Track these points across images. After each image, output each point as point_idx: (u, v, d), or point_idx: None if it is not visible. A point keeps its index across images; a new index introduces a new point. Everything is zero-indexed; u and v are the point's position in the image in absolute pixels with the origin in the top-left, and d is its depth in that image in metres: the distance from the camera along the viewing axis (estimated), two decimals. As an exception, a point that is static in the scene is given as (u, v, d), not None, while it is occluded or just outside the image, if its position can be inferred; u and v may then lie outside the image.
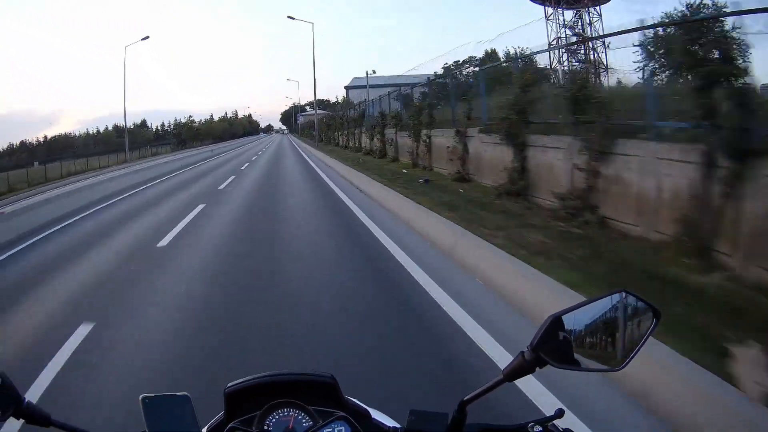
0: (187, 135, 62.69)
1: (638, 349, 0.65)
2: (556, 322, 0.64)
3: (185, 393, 0.71)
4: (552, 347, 0.64)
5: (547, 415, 0.67)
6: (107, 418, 2.04)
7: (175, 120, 70.05)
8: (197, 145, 58.23)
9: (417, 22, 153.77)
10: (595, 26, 24.95)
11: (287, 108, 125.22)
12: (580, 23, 25.24)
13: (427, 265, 3.90)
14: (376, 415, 0.88)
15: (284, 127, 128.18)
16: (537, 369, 0.64)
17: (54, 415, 0.64)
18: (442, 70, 14.79)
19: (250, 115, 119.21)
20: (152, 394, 0.70)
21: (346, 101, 34.31)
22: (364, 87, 41.08)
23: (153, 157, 37.77)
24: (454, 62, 16.04)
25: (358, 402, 0.86)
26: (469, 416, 0.68)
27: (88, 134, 62.67)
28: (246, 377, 0.83)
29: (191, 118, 69.66)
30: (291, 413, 0.85)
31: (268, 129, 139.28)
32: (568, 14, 25.45)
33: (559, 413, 0.67)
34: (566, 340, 0.64)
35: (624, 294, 0.66)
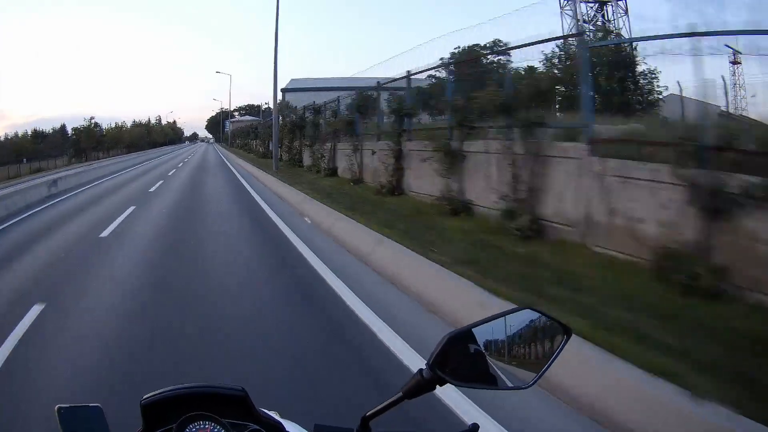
0: (87, 143, 56.20)
1: (548, 367, 0.70)
2: (456, 339, 0.68)
3: (98, 405, 0.78)
4: (453, 365, 0.67)
5: (462, 430, 0.70)
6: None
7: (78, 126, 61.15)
8: (98, 157, 53.31)
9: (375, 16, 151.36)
10: (619, 22, 23.20)
11: (213, 114, 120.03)
12: (601, 18, 23.75)
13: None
14: (289, 426, 0.94)
15: (210, 136, 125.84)
16: (438, 387, 0.68)
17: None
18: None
19: (174, 122, 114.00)
20: (67, 405, 0.76)
21: (285, 105, 31.76)
22: (304, 90, 39.79)
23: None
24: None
25: (271, 413, 0.93)
26: (393, 421, 0.73)
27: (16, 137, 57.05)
28: (161, 389, 0.89)
29: (93, 121, 60.33)
30: (206, 426, 0.90)
31: (193, 137, 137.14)
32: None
33: (474, 428, 0.70)
34: (470, 357, 0.68)
35: (530, 311, 0.72)
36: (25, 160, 42.28)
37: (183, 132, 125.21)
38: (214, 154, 39.01)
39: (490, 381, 0.69)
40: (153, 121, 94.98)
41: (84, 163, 38.24)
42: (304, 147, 17.13)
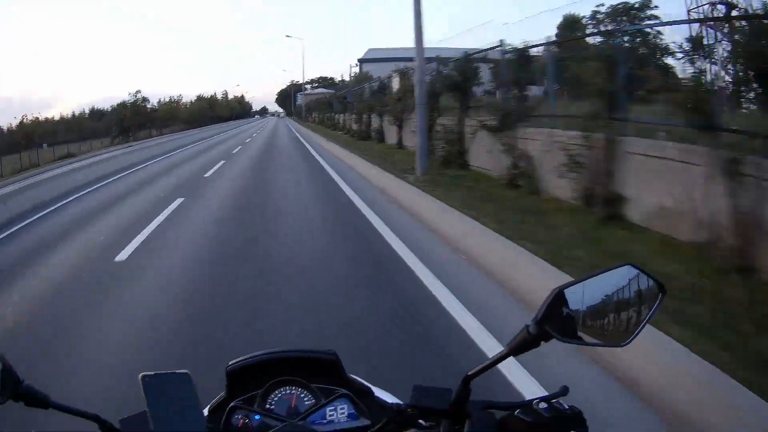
0: (133, 120, 51.34)
1: (643, 325, 0.74)
2: (560, 295, 0.72)
3: (186, 371, 0.78)
4: (556, 321, 0.71)
5: (552, 393, 0.75)
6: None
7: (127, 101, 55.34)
8: (145, 136, 49.22)
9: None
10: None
11: (284, 87, 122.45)
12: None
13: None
14: (378, 392, 0.99)
15: (280, 110, 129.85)
16: (542, 343, 0.72)
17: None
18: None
19: (242, 96, 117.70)
20: (152, 372, 0.77)
21: (365, 75, 27.80)
22: (382, 60, 38.14)
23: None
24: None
25: (360, 379, 0.98)
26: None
27: (73, 117, 56.91)
28: (247, 355, 0.95)
29: (139, 95, 55.24)
30: (293, 391, 0.97)
31: (263, 111, 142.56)
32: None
33: (564, 390, 0.75)
34: (569, 315, 0.72)
35: (630, 268, 0.75)
36: (45, 145, 39.35)
37: (251, 106, 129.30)
38: (286, 131, 33.55)
39: (590, 337, 0.73)
40: (220, 95, 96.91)
41: (121, 146, 35.07)
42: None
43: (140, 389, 0.75)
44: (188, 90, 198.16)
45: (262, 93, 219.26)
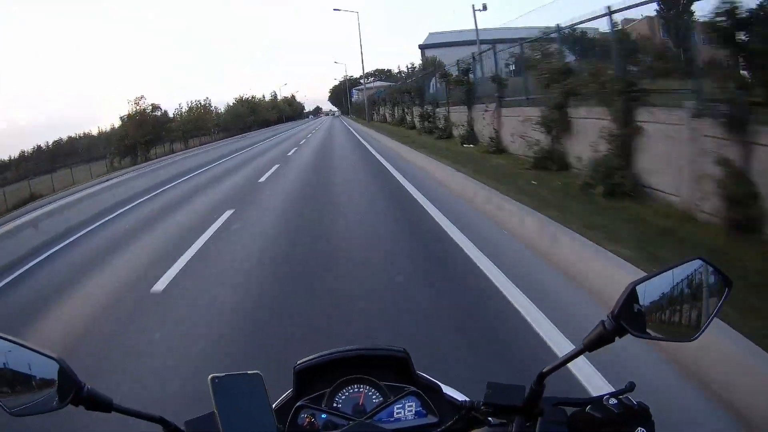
0: (138, 136, 44.86)
1: (711, 320, 0.82)
2: (633, 290, 0.81)
3: (257, 372, 0.84)
4: (630, 316, 0.80)
5: (619, 389, 0.84)
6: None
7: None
8: (165, 153, 45.49)
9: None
10: None
11: (337, 83, 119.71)
12: None
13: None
14: (448, 390, 1.08)
15: (334, 109, 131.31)
16: (616, 338, 0.81)
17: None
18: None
19: (292, 96, 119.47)
20: (222, 374, 0.82)
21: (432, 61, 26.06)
22: (446, 45, 37.77)
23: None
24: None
25: (429, 377, 1.07)
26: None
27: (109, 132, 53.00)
28: (315, 354, 1.05)
29: (143, 102, 47.91)
30: (361, 389, 1.06)
31: (316, 111, 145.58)
32: None
33: (631, 386, 0.84)
34: (640, 310, 0.81)
35: (700, 261, 0.83)
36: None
37: (303, 107, 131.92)
38: (346, 139, 27.01)
39: (660, 332, 0.81)
40: (268, 97, 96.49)
41: (115, 173, 30.84)
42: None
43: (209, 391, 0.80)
44: (229, 95, 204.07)
45: (314, 92, 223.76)
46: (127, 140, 44.81)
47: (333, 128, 43.82)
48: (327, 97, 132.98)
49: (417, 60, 50.16)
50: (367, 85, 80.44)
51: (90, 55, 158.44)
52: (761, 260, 3.78)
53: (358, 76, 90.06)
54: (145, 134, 45.55)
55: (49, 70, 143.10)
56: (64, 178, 37.10)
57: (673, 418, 2.24)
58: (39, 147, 57.43)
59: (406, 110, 26.97)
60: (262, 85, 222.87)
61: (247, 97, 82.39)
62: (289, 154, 20.85)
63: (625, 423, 0.80)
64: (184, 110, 58.80)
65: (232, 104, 75.38)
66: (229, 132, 60.95)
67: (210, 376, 0.82)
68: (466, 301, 3.91)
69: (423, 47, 48.99)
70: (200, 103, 62.23)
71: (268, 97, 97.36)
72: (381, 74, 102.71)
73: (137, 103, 47.49)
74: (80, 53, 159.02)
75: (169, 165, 21.95)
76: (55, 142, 56.25)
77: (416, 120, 22.68)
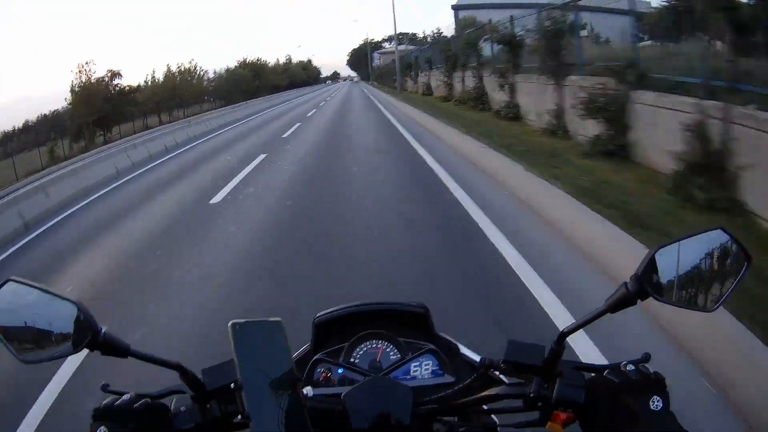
0: (86, 112, 38.42)
1: (730, 293, 0.89)
2: (655, 254, 0.88)
3: (278, 319, 0.87)
4: (652, 279, 0.87)
5: (636, 358, 0.91)
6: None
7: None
8: (131, 131, 38.23)
9: None
10: None
11: (356, 47, 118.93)
12: None
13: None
14: (465, 350, 1.16)
15: (354, 74, 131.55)
16: (638, 301, 0.88)
17: None
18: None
19: (309, 61, 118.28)
20: (242, 320, 0.85)
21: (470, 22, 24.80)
22: (483, 7, 36.50)
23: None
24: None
25: (448, 336, 1.15)
26: None
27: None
28: (335, 307, 1.13)
29: (88, 67, 40.97)
30: (379, 345, 1.13)
31: (335, 77, 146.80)
32: None
33: (646, 357, 0.91)
34: (662, 274, 0.88)
35: (720, 232, 0.90)
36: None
37: (319, 71, 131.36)
38: (374, 118, 20.87)
39: (680, 299, 0.88)
40: (282, 60, 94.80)
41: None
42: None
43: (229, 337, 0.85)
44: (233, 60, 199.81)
45: (332, 57, 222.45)
46: (76, 120, 38.58)
47: (351, 94, 44.84)
48: (345, 62, 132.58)
49: (443, 23, 48.26)
50: (389, 49, 77.38)
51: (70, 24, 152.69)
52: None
53: (380, 39, 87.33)
54: (96, 111, 38.71)
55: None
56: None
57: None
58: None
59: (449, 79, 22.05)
60: (274, 49, 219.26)
61: (251, 59, 78.47)
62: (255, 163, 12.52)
63: (642, 390, 0.85)
64: (159, 77, 52.15)
65: (232, 68, 71.13)
66: (226, 101, 55.23)
67: (230, 323, 0.84)
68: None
69: (456, 8, 47.44)
70: (183, 68, 55.91)
71: (282, 61, 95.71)
72: (404, 38, 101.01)
73: (83, 71, 40.28)
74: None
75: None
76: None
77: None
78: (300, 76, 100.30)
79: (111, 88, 41.71)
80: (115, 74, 41.87)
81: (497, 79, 14.46)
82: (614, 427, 0.85)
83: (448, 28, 41.75)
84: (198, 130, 23.62)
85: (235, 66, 71.54)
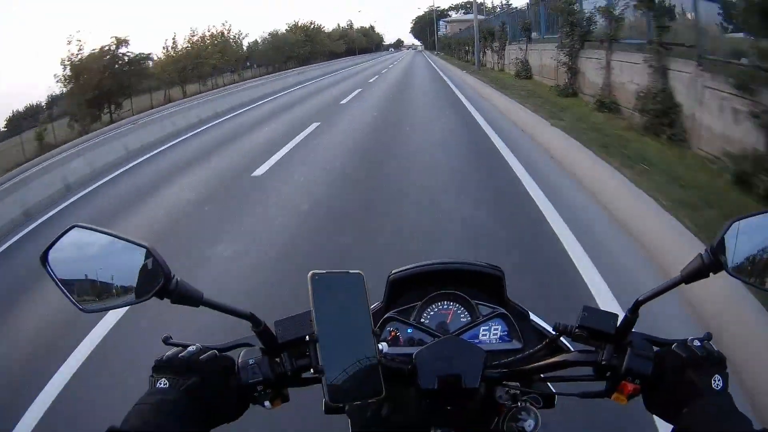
0: (78, 89, 34.63)
1: None
2: (733, 227, 0.92)
3: (359, 271, 0.93)
4: (727, 253, 0.91)
5: (700, 336, 0.95)
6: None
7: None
8: (145, 107, 35.42)
9: None
10: None
11: (422, 13, 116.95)
12: None
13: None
14: (535, 318, 1.24)
15: (418, 43, 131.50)
16: (711, 274, 0.93)
17: None
18: None
19: (371, 27, 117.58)
20: (323, 271, 0.90)
21: None
22: None
23: None
24: None
25: (519, 303, 1.23)
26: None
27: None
28: (410, 265, 1.21)
29: (75, 39, 37.75)
30: (451, 306, 1.23)
31: (398, 45, 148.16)
32: None
33: (708, 336, 0.96)
34: (740, 249, 0.92)
35: None
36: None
37: (382, 39, 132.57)
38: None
39: (754, 276, 0.91)
40: (343, 25, 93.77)
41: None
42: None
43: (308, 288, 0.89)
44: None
45: (396, 25, 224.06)
46: (71, 99, 34.95)
47: (413, 68, 40.10)
48: (409, 29, 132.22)
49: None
50: (457, 18, 72.51)
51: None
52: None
53: (446, 7, 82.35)
54: (93, 87, 34.82)
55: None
56: None
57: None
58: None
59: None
60: (334, 14, 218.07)
61: (304, 23, 74.94)
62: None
63: (706, 367, 0.90)
64: (180, 45, 47.57)
65: (279, 32, 66.78)
66: (273, 68, 53.73)
67: (310, 273, 0.89)
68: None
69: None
70: (215, 32, 51.43)
71: (343, 26, 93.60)
72: (471, 6, 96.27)
73: (73, 43, 36.58)
74: None
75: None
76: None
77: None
78: (360, 42, 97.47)
79: (116, 59, 37.45)
80: (121, 42, 37.49)
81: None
82: (676, 402, 0.89)
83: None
84: (219, 106, 20.63)
85: (286, 30, 68.13)
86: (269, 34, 63.46)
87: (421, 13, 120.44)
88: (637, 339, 0.96)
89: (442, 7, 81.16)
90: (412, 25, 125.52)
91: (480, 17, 31.80)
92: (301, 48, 64.65)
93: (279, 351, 0.94)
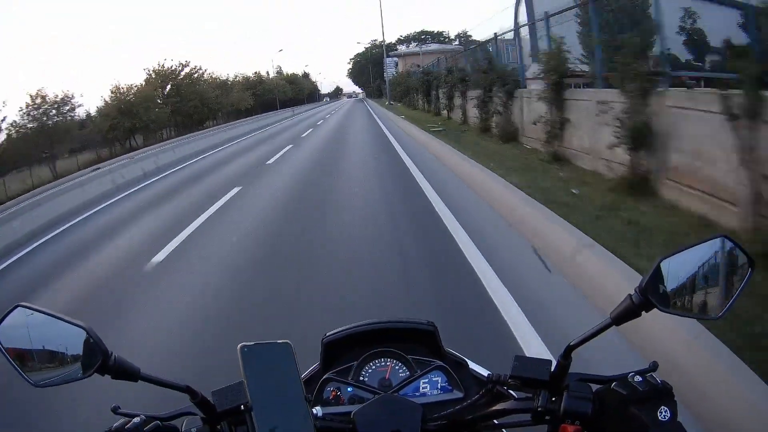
0: None
1: (735, 299, 1.24)
2: (660, 265, 1.21)
3: (287, 341, 1.23)
4: (656, 291, 1.19)
5: (643, 368, 1.22)
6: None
7: None
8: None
9: None
10: None
11: (363, 49, 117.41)
12: None
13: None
14: (474, 365, 1.56)
15: (358, 90, 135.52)
16: (643, 313, 1.21)
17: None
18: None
19: (306, 74, 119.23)
20: (252, 342, 1.21)
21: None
22: None
23: None
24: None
25: (456, 352, 1.56)
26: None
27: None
28: (343, 327, 1.54)
29: None
30: (388, 363, 1.54)
31: (337, 93, 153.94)
32: None
33: (654, 366, 1.23)
34: (666, 285, 1.20)
35: (723, 240, 1.26)
36: None
37: (315, 85, 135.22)
38: None
39: (685, 308, 1.21)
40: (267, 73, 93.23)
41: None
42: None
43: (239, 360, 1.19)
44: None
45: (334, 71, 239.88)
46: None
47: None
48: (347, 72, 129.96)
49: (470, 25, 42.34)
50: (412, 51, 72.26)
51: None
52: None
53: (395, 40, 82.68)
54: None
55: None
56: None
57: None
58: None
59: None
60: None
61: (171, 66, 66.54)
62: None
63: (649, 401, 1.12)
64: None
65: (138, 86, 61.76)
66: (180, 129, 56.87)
67: (240, 345, 1.19)
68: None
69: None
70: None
71: (263, 73, 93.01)
72: (427, 37, 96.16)
73: None
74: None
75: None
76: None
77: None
78: (286, 92, 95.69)
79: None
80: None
81: None
82: None
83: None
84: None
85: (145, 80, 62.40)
86: (111, 91, 57.57)
87: (361, 49, 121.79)
88: (573, 381, 1.24)
89: (388, 40, 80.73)
90: (350, 66, 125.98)
91: (445, 48, 31.58)
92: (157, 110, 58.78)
93: (219, 420, 1.21)
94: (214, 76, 73.95)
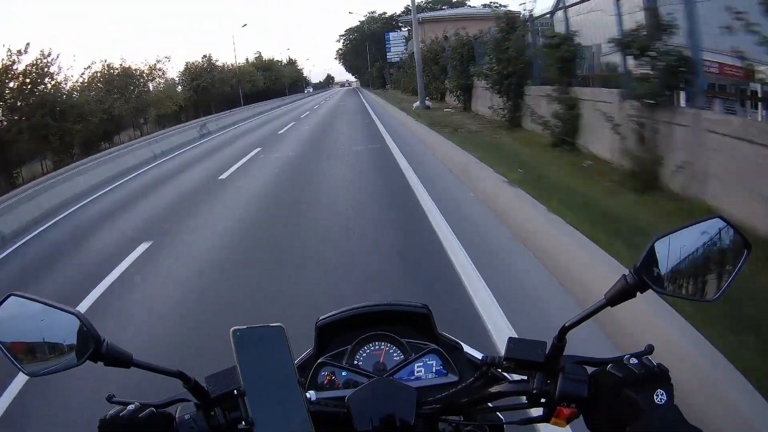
0: None
1: (731, 281, 1.43)
2: (654, 246, 1.42)
3: (279, 324, 1.43)
4: (651, 271, 1.39)
5: (639, 351, 1.40)
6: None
7: None
8: None
9: None
10: None
11: (358, 23, 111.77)
12: None
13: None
14: (468, 349, 1.81)
15: (351, 79, 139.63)
16: (638, 294, 1.40)
17: None
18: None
19: (292, 60, 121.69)
20: (244, 326, 1.40)
21: None
22: None
23: None
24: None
25: (450, 336, 1.82)
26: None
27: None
28: (337, 310, 1.80)
29: None
30: (382, 347, 1.80)
31: (327, 83, 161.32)
32: None
33: (650, 349, 1.42)
34: (662, 265, 1.40)
35: (719, 220, 1.47)
36: None
37: (302, 75, 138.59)
38: None
39: (680, 290, 1.43)
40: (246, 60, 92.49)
41: None
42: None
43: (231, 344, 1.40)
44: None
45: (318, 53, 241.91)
46: None
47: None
48: (335, 55, 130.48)
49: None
50: (427, 17, 64.84)
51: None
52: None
53: (399, 12, 76.66)
54: None
55: None
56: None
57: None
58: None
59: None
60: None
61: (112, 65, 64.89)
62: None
63: (645, 384, 1.30)
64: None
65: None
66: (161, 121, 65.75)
67: (232, 329, 1.38)
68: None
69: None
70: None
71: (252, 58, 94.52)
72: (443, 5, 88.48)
73: None
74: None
75: None
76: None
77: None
78: (257, 82, 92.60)
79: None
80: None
81: None
82: (618, 421, 1.29)
83: None
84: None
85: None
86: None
87: (355, 22, 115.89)
88: (569, 363, 1.41)
89: (388, 12, 74.88)
90: (340, 46, 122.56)
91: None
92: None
93: (212, 405, 1.39)
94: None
